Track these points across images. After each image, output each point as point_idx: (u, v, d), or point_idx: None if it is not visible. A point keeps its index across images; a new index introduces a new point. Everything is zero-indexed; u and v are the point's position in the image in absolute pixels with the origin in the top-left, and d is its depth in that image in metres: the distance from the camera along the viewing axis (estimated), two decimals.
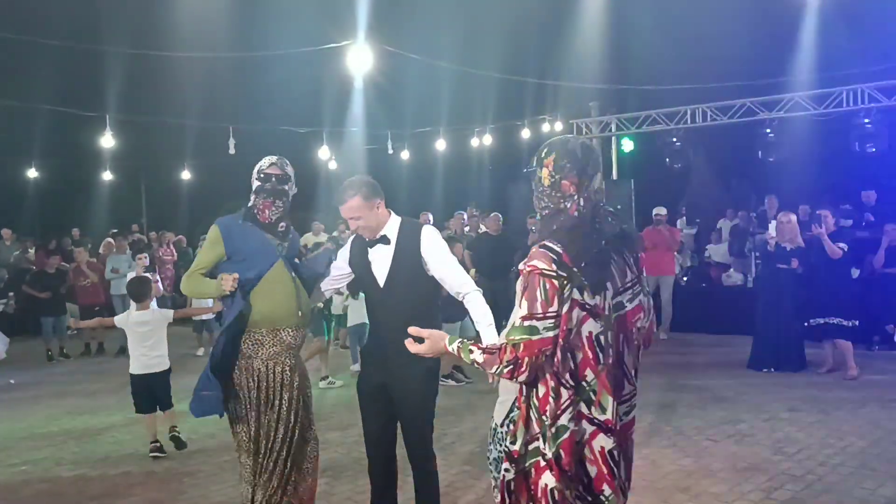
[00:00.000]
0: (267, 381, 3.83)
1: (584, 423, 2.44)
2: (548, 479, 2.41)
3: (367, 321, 4.15)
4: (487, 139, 19.78)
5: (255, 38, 12.31)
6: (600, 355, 2.44)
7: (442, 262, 3.78)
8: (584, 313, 2.42)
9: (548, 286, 2.40)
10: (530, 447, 2.46)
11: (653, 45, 12.07)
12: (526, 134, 19.23)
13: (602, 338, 2.44)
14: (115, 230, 16.51)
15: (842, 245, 8.28)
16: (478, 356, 2.47)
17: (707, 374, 8.63)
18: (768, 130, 12.84)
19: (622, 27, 12.63)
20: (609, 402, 2.44)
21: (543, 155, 2.64)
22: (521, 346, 2.38)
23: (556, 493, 2.40)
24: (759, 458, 5.51)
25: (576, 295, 2.41)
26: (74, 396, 8.69)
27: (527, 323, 2.40)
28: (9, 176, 20.89)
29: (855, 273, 9.01)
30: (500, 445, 2.76)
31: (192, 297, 4.05)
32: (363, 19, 11.29)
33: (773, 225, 9.22)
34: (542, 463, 2.42)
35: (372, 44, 11.61)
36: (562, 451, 2.40)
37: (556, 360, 2.42)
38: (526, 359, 2.38)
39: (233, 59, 13.12)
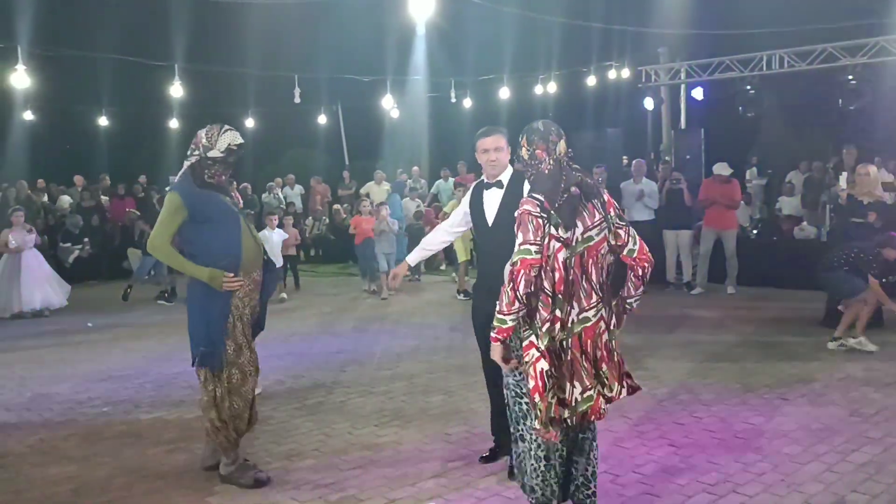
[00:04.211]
0: (244, 314, 4.51)
1: (557, 322, 3.37)
2: (542, 365, 3.30)
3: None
4: (552, 87, 19.40)
5: None
6: (565, 274, 3.34)
7: None
8: (559, 245, 3.33)
9: (535, 222, 3.31)
10: (525, 342, 3.38)
11: None
12: (592, 81, 18.79)
13: (567, 262, 3.35)
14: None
15: None
16: (500, 307, 3.33)
17: (778, 330, 8.43)
18: (850, 77, 12.18)
19: None
20: (565, 307, 3.36)
21: (520, 139, 3.58)
22: (518, 262, 3.27)
23: (547, 373, 3.31)
24: (834, 419, 5.36)
25: (552, 231, 3.31)
26: (149, 340, 8.98)
27: (523, 247, 3.29)
28: (80, 123, 21.43)
29: None
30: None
31: (171, 266, 4.58)
32: None
33: (843, 177, 8.84)
34: (537, 354, 3.32)
35: None
36: (551, 344, 3.33)
37: (541, 279, 3.32)
38: (521, 271, 3.25)
39: (298, 6, 13.07)
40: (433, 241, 5.03)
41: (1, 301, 10.86)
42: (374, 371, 7.21)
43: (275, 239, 11.52)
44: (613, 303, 3.58)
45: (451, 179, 16.06)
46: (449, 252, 12.31)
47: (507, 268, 3.41)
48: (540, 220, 3.30)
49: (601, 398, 3.45)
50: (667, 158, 14.03)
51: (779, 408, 5.67)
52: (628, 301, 3.61)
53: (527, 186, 4.39)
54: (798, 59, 12.59)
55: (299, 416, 5.83)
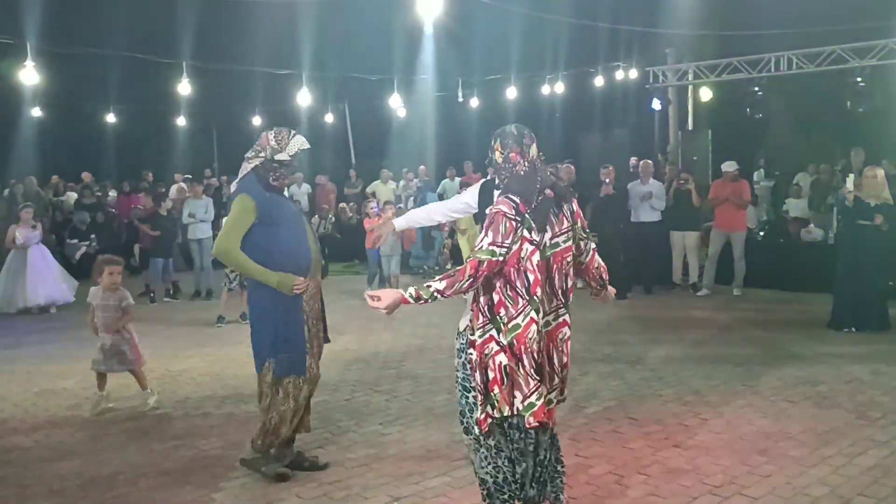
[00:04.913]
0: (310, 317, 4.46)
1: (533, 325, 3.38)
2: (501, 358, 3.38)
3: None
4: (559, 87, 19.36)
5: None
6: (540, 277, 3.38)
7: None
8: (532, 247, 3.37)
9: (507, 225, 3.33)
10: (482, 336, 3.43)
11: None
12: (599, 82, 18.74)
13: (540, 264, 3.39)
14: (189, 175, 16.86)
15: None
16: (438, 285, 3.31)
17: (784, 332, 8.40)
18: (859, 79, 12.14)
19: None
20: (539, 309, 3.39)
21: (492, 143, 3.55)
22: (485, 262, 3.31)
23: (507, 368, 3.38)
24: (840, 422, 5.35)
25: (526, 234, 3.35)
26: (154, 337, 8.99)
27: (491, 247, 3.32)
28: (88, 120, 21.48)
29: None
30: (461, 339, 3.88)
31: (239, 271, 4.52)
32: None
33: (850, 179, 8.81)
34: (497, 348, 3.38)
35: None
36: (515, 341, 3.37)
37: (512, 278, 3.36)
38: (486, 272, 3.32)
39: (306, 4, 13.07)
40: (427, 217, 4.84)
41: (7, 296, 10.91)
42: (379, 370, 7.21)
43: None
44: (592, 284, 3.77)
45: (458, 179, 16.07)
46: (456, 253, 12.28)
47: (469, 260, 3.39)
48: (513, 223, 3.33)
49: (552, 403, 3.51)
50: (660, 158, 14.00)
51: (785, 410, 5.66)
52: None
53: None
54: (806, 60, 12.55)
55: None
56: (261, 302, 4.43)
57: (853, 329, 8.27)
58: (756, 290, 10.92)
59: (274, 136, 4.44)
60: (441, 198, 16.27)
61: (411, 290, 3.33)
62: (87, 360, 7.76)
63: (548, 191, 3.43)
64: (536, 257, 3.37)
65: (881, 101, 12.32)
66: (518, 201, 3.37)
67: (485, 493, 3.57)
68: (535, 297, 3.37)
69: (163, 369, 7.36)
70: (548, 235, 3.41)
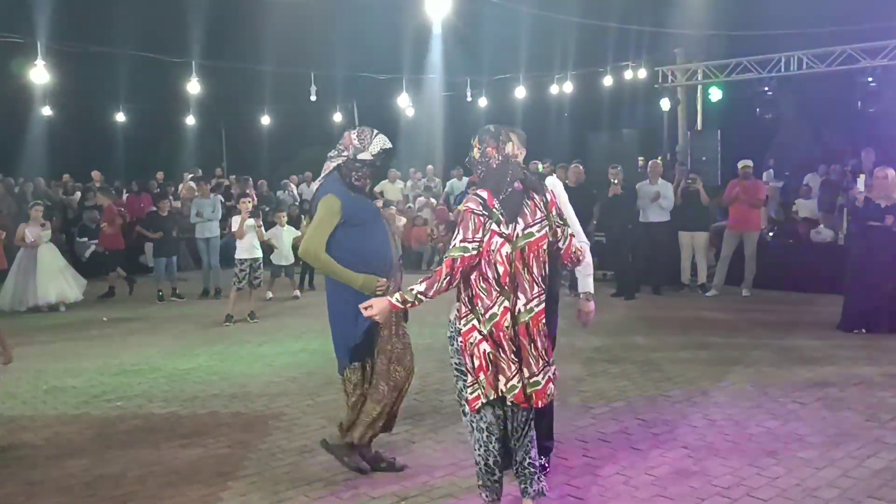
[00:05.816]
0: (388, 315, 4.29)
1: (507, 313, 3.59)
2: (485, 347, 3.60)
3: None
4: (568, 86, 19.33)
5: None
6: (509, 268, 3.58)
7: (562, 209, 4.11)
8: (502, 240, 3.57)
9: (476, 220, 3.57)
10: (466, 325, 3.66)
11: None
12: (608, 81, 18.70)
13: (510, 255, 3.58)
14: (192, 174, 16.90)
15: None
16: (419, 287, 3.57)
17: (794, 333, 8.36)
18: (870, 79, 12.10)
19: None
20: (511, 298, 3.59)
21: (473, 141, 3.76)
22: (459, 259, 3.55)
23: (490, 355, 3.61)
24: (850, 424, 5.31)
25: (494, 227, 3.56)
26: (163, 335, 9.03)
27: (463, 244, 3.57)
28: (98, 119, 21.57)
29: None
30: (451, 328, 4.13)
31: (323, 272, 4.48)
32: None
33: (861, 179, 8.78)
34: (480, 337, 3.61)
35: None
36: (493, 329, 3.60)
37: (484, 270, 3.58)
38: (461, 269, 3.56)
39: (315, 4, 13.09)
40: None
41: (17, 294, 10.95)
42: None
43: (285, 236, 11.50)
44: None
45: (465, 178, 16.06)
46: None
47: (445, 259, 3.62)
48: (481, 218, 3.57)
49: (550, 384, 3.70)
50: (667, 157, 13.95)
51: (794, 412, 5.63)
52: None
53: (551, 182, 4.47)
54: (817, 60, 12.49)
55: (311, 412, 5.84)
56: (339, 296, 4.39)
57: (863, 330, 8.22)
58: (765, 291, 10.87)
59: (357, 136, 4.42)
60: (449, 197, 16.28)
61: (397, 295, 3.62)
62: (96, 359, 7.85)
63: (517, 184, 3.64)
64: (506, 249, 3.57)
65: (892, 101, 12.26)
66: (485, 196, 3.61)
67: (477, 471, 3.76)
68: (505, 287, 3.58)
69: (171, 368, 7.38)
70: (520, 226, 3.60)
